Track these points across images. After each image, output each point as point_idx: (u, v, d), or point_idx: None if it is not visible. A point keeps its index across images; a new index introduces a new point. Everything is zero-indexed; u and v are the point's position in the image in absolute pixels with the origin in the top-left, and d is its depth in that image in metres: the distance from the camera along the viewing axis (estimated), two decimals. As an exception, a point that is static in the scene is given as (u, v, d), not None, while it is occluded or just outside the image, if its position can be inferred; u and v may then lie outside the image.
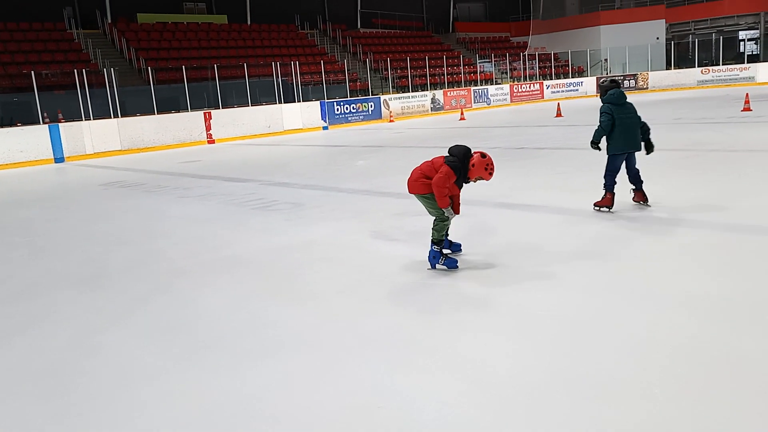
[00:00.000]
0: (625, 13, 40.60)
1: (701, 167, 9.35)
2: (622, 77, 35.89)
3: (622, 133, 6.43)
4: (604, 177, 6.63)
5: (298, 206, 8.49)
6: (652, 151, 6.67)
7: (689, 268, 4.78)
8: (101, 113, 20.84)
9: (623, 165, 6.61)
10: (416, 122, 26.18)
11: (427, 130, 21.10)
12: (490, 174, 5.08)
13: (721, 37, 36.75)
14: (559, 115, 21.82)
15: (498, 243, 5.83)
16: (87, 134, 19.66)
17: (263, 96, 26.08)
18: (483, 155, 5.08)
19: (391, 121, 27.43)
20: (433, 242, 5.18)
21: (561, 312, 4.03)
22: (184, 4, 35.06)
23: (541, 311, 4.08)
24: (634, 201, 6.90)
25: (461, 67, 35.22)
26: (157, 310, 4.72)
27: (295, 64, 26.52)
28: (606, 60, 39.03)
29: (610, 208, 6.69)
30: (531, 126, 19.43)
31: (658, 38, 38.93)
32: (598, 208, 6.77)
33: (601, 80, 6.90)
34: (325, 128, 25.63)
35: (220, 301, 4.81)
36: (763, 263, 4.74)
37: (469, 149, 5.07)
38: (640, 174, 6.73)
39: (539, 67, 38.57)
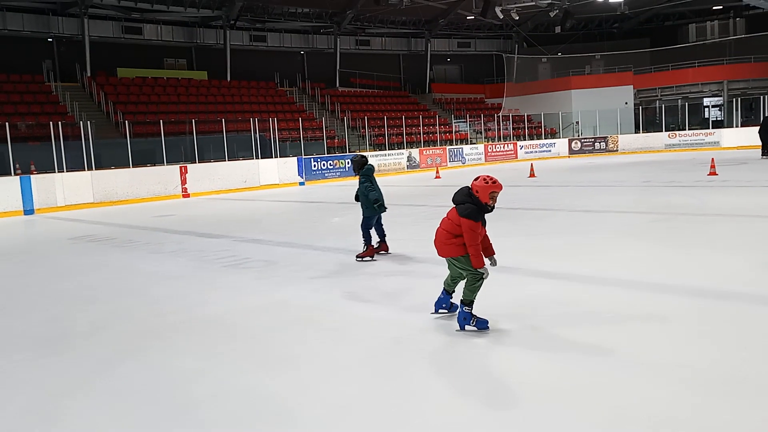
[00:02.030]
0: (594, 78, 42.09)
1: (673, 231, 9.52)
2: (593, 139, 36.97)
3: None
4: (363, 236, 8.17)
5: (271, 264, 8.38)
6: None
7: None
8: (75, 165, 20.64)
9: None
10: (392, 179, 26.39)
11: (403, 188, 21.25)
12: (495, 184, 4.98)
13: (687, 104, 38.20)
14: (532, 175, 22.20)
15: (477, 306, 5.77)
16: (59, 186, 19.41)
17: (240, 151, 26.16)
18: (478, 179, 5.01)
19: (367, 178, 27.60)
20: (463, 303, 4.99)
21: (543, 382, 3.96)
22: (164, 60, 35.46)
23: (514, 380, 4.01)
24: (380, 251, 8.34)
25: (437, 127, 35.90)
26: (123, 375, 4.53)
27: (273, 120, 26.77)
28: (577, 122, 40.19)
29: (372, 257, 8.16)
30: (505, 185, 19.64)
31: (626, 103, 40.32)
32: (360, 259, 8.13)
33: (355, 156, 8.46)
34: (301, 184, 25.70)
35: (189, 366, 4.64)
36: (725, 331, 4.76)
37: (466, 186, 5.04)
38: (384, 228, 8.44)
39: (513, 128, 39.52)
